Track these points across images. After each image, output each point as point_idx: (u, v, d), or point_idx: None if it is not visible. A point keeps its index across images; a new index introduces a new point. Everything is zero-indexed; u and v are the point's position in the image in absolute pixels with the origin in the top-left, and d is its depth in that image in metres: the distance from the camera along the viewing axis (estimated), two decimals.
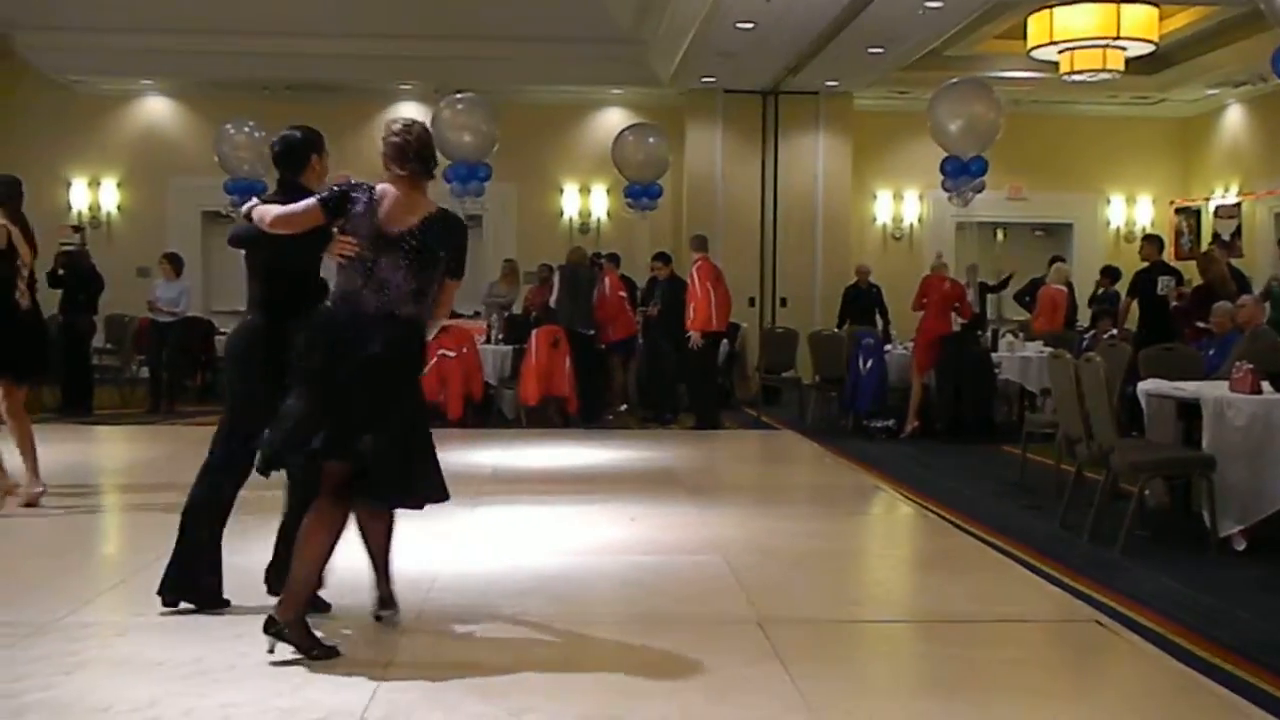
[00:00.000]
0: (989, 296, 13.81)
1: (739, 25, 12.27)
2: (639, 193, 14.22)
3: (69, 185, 16.33)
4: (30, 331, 6.96)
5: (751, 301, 15.76)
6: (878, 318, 13.84)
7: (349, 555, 5.58)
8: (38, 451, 6.94)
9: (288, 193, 4.69)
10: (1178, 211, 16.94)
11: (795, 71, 14.47)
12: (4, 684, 3.81)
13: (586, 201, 16.56)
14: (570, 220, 16.64)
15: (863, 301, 13.97)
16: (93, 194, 16.46)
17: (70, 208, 16.24)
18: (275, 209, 4.46)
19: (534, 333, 11.46)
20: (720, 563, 5.69)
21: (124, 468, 9.42)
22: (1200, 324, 10.16)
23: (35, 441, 6.91)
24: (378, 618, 4.60)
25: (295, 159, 4.78)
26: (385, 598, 4.65)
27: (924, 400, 11.15)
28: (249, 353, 4.65)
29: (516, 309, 13.64)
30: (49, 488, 6.96)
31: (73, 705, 3.67)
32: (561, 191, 16.73)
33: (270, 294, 4.66)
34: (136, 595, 5.04)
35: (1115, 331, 11.39)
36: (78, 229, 15.44)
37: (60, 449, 9.73)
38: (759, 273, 15.89)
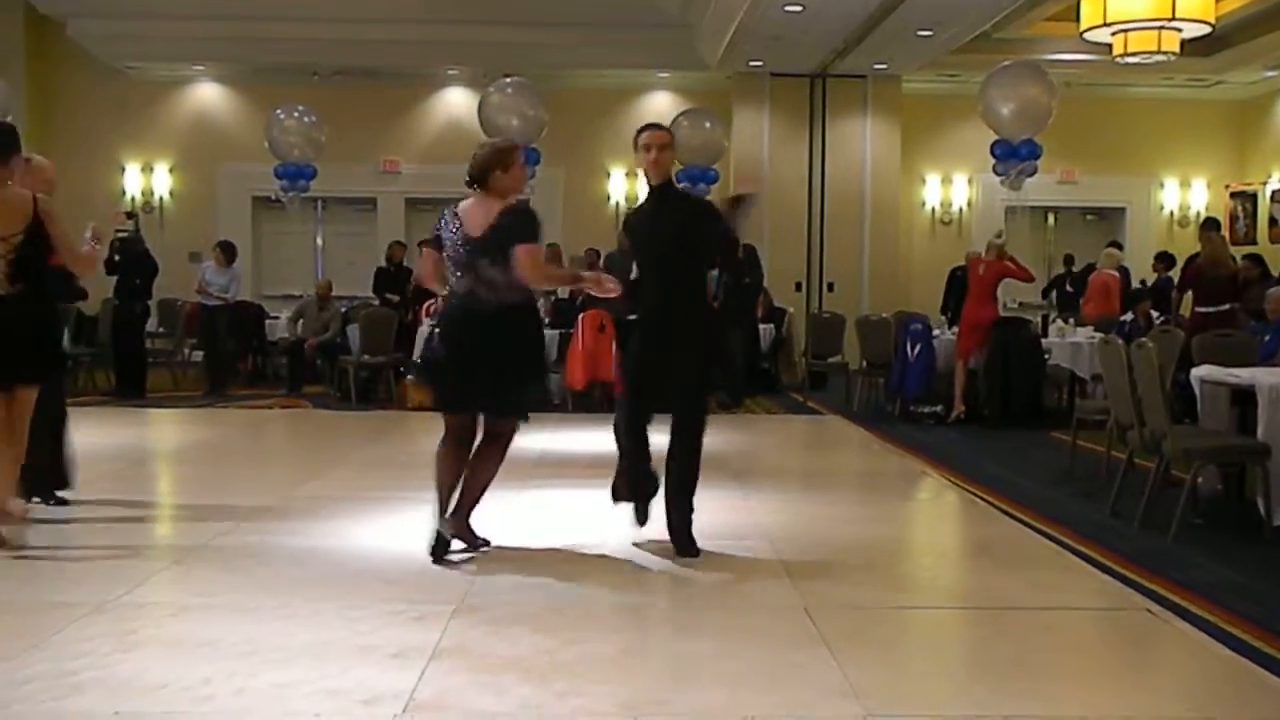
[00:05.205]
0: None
1: (788, 8, 12.19)
2: (696, 177, 14.14)
3: (123, 170, 16.59)
4: (10, 324, 5.40)
5: (798, 286, 15.71)
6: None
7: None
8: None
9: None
10: (1233, 195, 16.68)
11: (843, 54, 14.36)
12: (63, 662, 3.89)
13: (633, 186, 16.49)
14: (617, 205, 16.61)
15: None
16: (146, 179, 16.71)
17: (125, 192, 16.51)
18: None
19: (580, 317, 11.47)
20: (767, 548, 5.68)
21: (178, 450, 9.55)
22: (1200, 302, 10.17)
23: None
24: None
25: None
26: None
27: (969, 385, 11.08)
28: None
29: (562, 293, 13.64)
30: (97, 469, 6.88)
31: (129, 683, 3.73)
32: (608, 176, 16.75)
33: None
34: (190, 576, 5.13)
35: (1163, 318, 11.26)
36: (130, 215, 15.64)
37: (115, 431, 9.91)
38: (805, 257, 15.82)
